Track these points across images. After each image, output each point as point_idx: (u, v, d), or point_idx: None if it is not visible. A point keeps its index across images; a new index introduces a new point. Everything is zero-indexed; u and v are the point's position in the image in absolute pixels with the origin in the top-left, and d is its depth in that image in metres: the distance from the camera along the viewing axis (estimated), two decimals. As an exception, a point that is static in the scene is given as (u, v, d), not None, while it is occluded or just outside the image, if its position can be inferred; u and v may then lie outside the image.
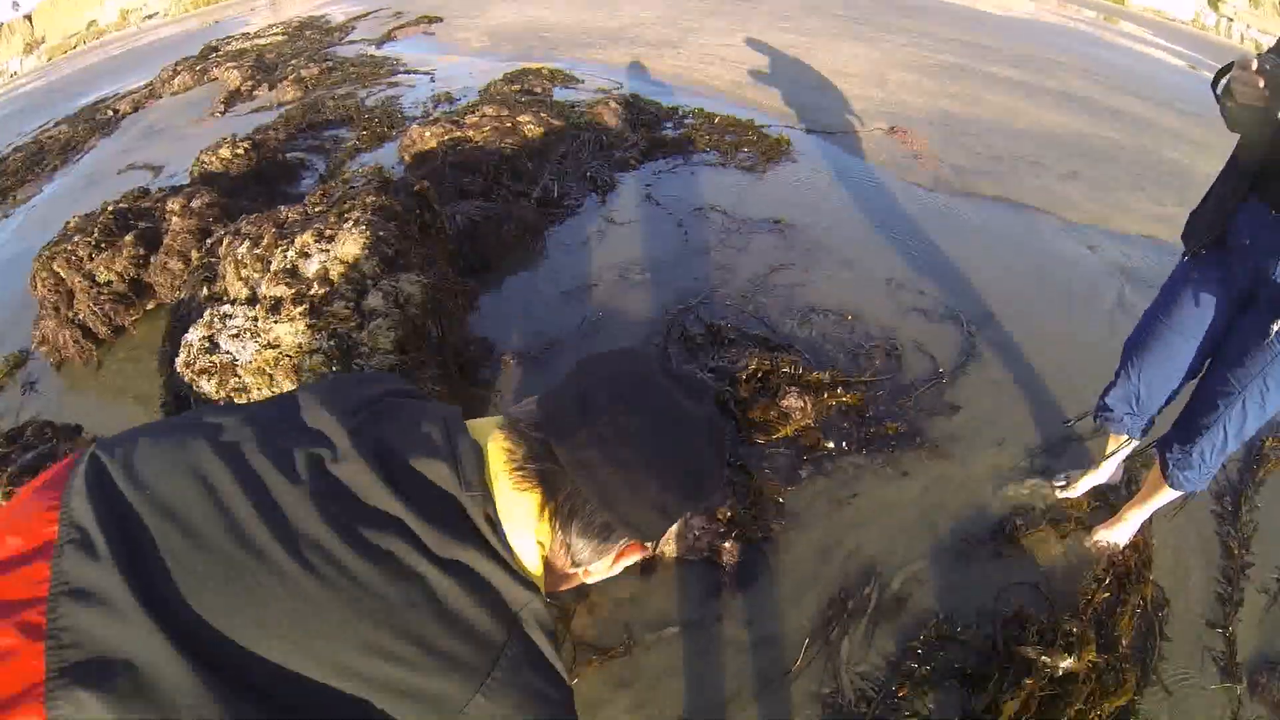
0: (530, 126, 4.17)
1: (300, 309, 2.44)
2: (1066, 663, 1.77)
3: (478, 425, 0.83)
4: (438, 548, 0.70)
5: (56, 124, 6.56)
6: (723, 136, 4.50)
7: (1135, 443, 2.09)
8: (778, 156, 4.33)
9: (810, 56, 6.21)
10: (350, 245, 2.61)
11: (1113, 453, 2.16)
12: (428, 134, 4.11)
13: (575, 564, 0.81)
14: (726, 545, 2.13)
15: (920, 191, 4.10)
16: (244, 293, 2.65)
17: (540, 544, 0.78)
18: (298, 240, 2.73)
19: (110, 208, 3.67)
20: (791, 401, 2.60)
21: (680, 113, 4.88)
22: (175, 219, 3.63)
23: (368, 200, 2.92)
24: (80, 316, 3.22)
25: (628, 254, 3.41)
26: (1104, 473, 2.23)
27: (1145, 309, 1.85)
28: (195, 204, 3.74)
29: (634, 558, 0.87)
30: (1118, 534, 2.07)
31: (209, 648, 0.63)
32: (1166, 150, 4.92)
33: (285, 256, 2.69)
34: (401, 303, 2.48)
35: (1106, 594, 1.97)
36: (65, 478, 0.73)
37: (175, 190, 3.98)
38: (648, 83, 5.65)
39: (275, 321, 2.46)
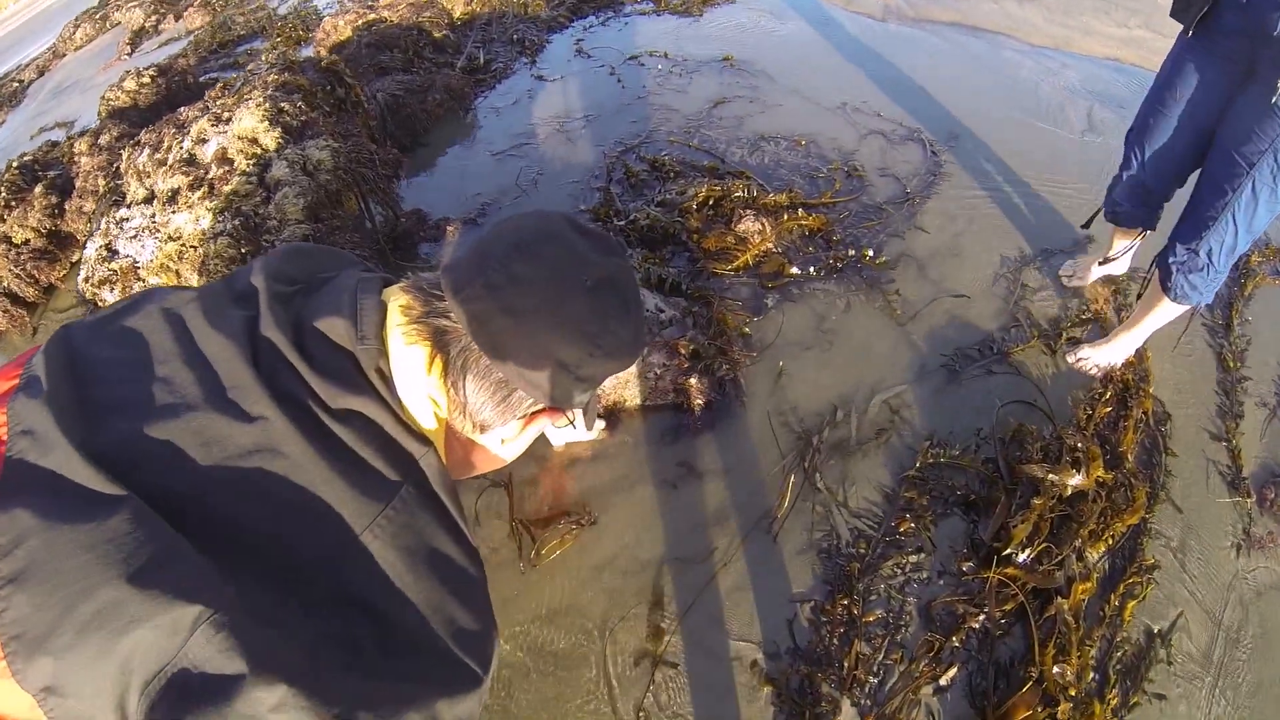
0: (447, -1, 3.85)
1: (199, 194, 2.23)
2: (1075, 479, 1.63)
3: (391, 289, 0.80)
4: (330, 399, 0.69)
5: (-40, 112, 6.14)
6: (654, -17, 4.17)
7: (1148, 232, 1.91)
8: (714, -1, 4.03)
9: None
10: (248, 120, 2.37)
11: (1125, 245, 1.97)
12: (341, 23, 3.79)
13: (479, 426, 0.77)
14: (692, 382, 1.93)
15: (870, 21, 3.83)
16: (141, 194, 2.43)
17: (433, 400, 0.74)
18: (193, 129, 2.49)
19: (15, 163, 3.39)
20: (748, 224, 2.40)
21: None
22: (84, 159, 3.36)
23: (269, 79, 2.66)
24: (4, 283, 3.00)
25: (562, 108, 3.18)
26: (1113, 263, 2.05)
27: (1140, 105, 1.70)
28: (103, 140, 3.46)
29: (547, 424, 0.82)
30: (1108, 355, 1.91)
31: (125, 466, 0.63)
32: (1132, -26, 4.55)
33: (181, 147, 2.45)
34: (310, 170, 2.25)
35: (1107, 409, 1.83)
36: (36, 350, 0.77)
37: (82, 133, 3.70)
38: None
39: (174, 212, 2.25)
